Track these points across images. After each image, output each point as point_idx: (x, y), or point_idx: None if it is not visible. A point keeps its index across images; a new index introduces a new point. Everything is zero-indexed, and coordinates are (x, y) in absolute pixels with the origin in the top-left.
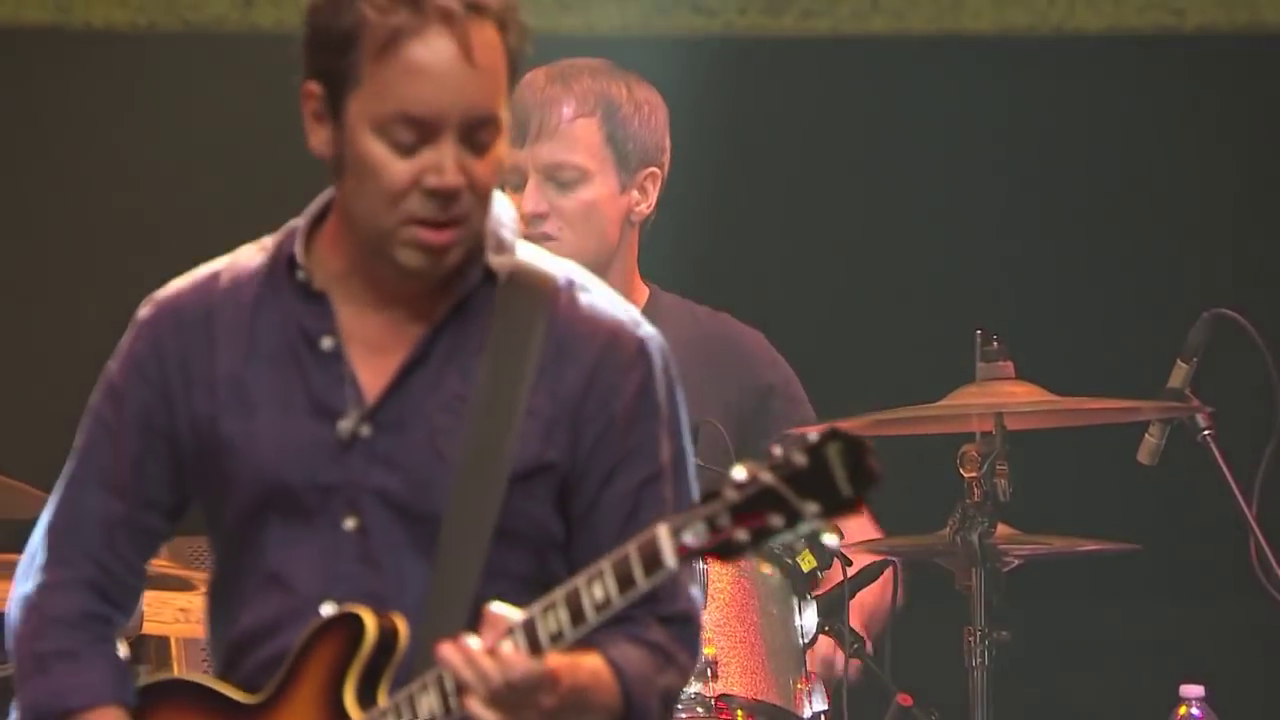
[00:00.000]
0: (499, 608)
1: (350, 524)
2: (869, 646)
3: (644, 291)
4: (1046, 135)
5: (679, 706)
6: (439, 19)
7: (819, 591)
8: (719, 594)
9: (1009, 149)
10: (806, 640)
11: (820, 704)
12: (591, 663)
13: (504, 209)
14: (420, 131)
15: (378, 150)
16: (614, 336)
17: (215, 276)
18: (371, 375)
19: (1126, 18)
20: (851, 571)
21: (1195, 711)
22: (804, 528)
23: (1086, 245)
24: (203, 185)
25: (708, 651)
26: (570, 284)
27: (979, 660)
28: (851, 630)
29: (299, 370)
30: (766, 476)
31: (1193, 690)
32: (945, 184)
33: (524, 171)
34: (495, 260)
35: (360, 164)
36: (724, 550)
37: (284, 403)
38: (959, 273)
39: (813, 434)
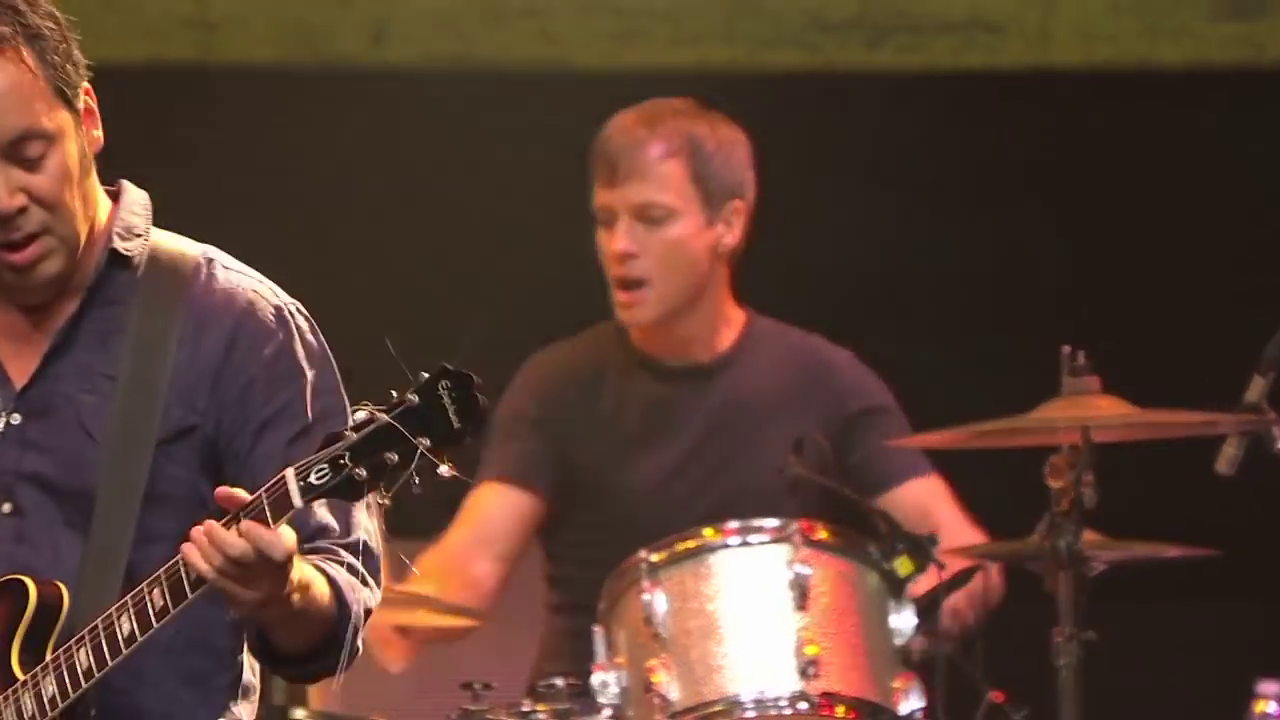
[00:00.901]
0: (225, 490)
1: (6, 508)
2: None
3: (740, 316)
4: (1132, 158)
5: (783, 703)
6: None
7: (916, 594)
8: (820, 597)
9: (1099, 172)
10: (903, 641)
11: (917, 702)
12: (309, 568)
13: (135, 197)
14: None
15: None
16: (251, 305)
17: None
18: (18, 368)
19: (1208, 51)
20: (945, 575)
21: (1272, 708)
22: (417, 460)
23: (1168, 264)
24: (339, 218)
25: (810, 651)
26: (210, 261)
27: (1067, 659)
28: (947, 630)
29: None
30: (381, 415)
31: (1271, 687)
32: (1030, 207)
33: (615, 211)
34: (124, 246)
35: None
36: (347, 488)
37: None
38: (1045, 290)
39: (424, 373)
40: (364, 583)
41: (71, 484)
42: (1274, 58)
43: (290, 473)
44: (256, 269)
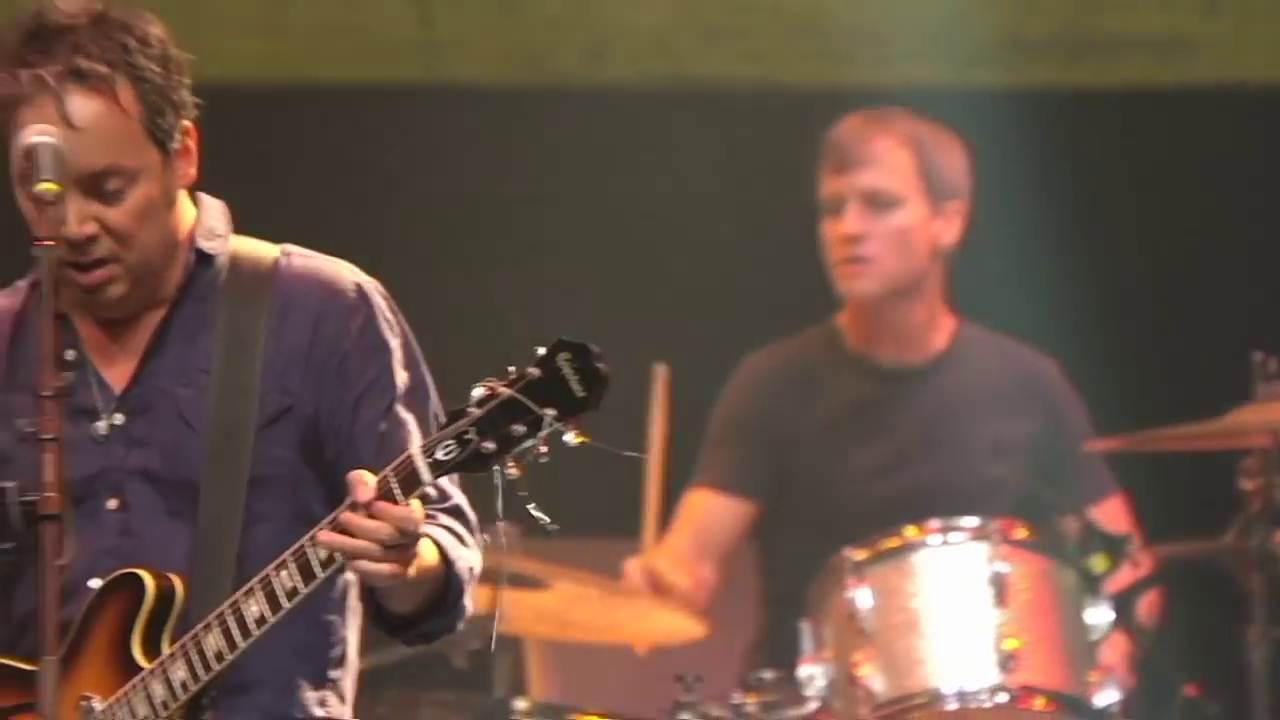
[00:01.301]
0: (357, 474)
1: (112, 504)
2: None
3: (952, 321)
4: None
5: (983, 695)
6: (38, 88)
7: (1112, 591)
8: (1020, 594)
9: None
10: (1099, 637)
11: (1113, 695)
12: None
13: (214, 205)
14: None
15: (26, 206)
16: (332, 286)
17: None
18: (116, 374)
19: None
20: (1141, 573)
21: None
22: (545, 430)
23: None
24: (560, 227)
25: (1010, 645)
26: (288, 252)
27: (1259, 656)
28: (1141, 626)
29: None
30: (504, 390)
31: None
32: (1221, 215)
33: (844, 197)
34: (207, 245)
35: (26, 211)
36: (475, 461)
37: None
38: (1235, 298)
39: (542, 347)
40: (463, 543)
41: (177, 475)
42: None
43: (417, 450)
44: (482, 274)
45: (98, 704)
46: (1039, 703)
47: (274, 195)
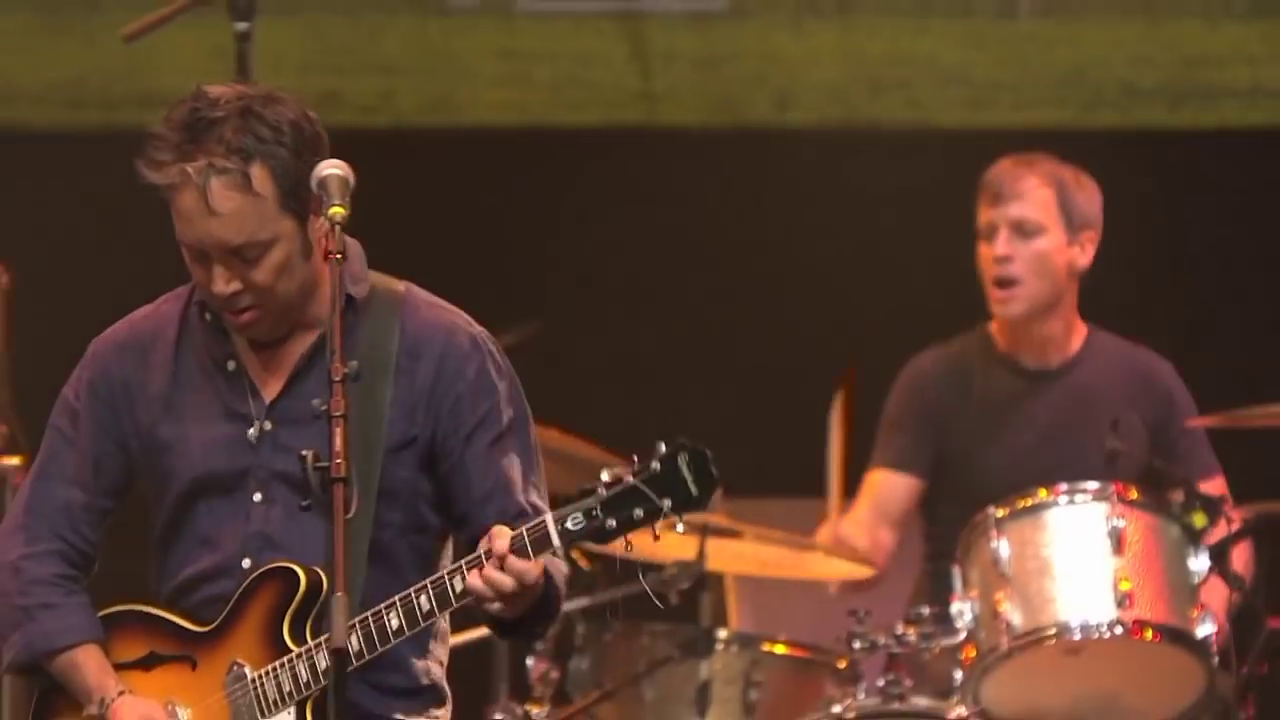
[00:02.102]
0: (497, 530)
1: (257, 498)
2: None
3: (1083, 330)
4: None
5: (1103, 628)
6: (183, 180)
7: (1209, 541)
8: (1132, 544)
9: None
10: (1199, 580)
11: (1210, 627)
12: None
13: (355, 247)
14: (193, 253)
15: (188, 259)
16: (452, 334)
17: (145, 318)
18: (268, 385)
19: None
20: (1234, 528)
21: None
22: (661, 519)
23: None
24: (756, 259)
25: (1124, 586)
26: (412, 294)
27: None
28: (1234, 572)
29: (213, 387)
30: (629, 479)
31: None
32: None
33: (996, 225)
34: (354, 290)
35: (190, 268)
36: (598, 535)
37: (206, 412)
38: None
39: (663, 445)
40: (555, 554)
41: (316, 480)
42: None
43: (549, 518)
44: (690, 299)
45: (249, 671)
46: (1148, 634)
47: (522, 221)
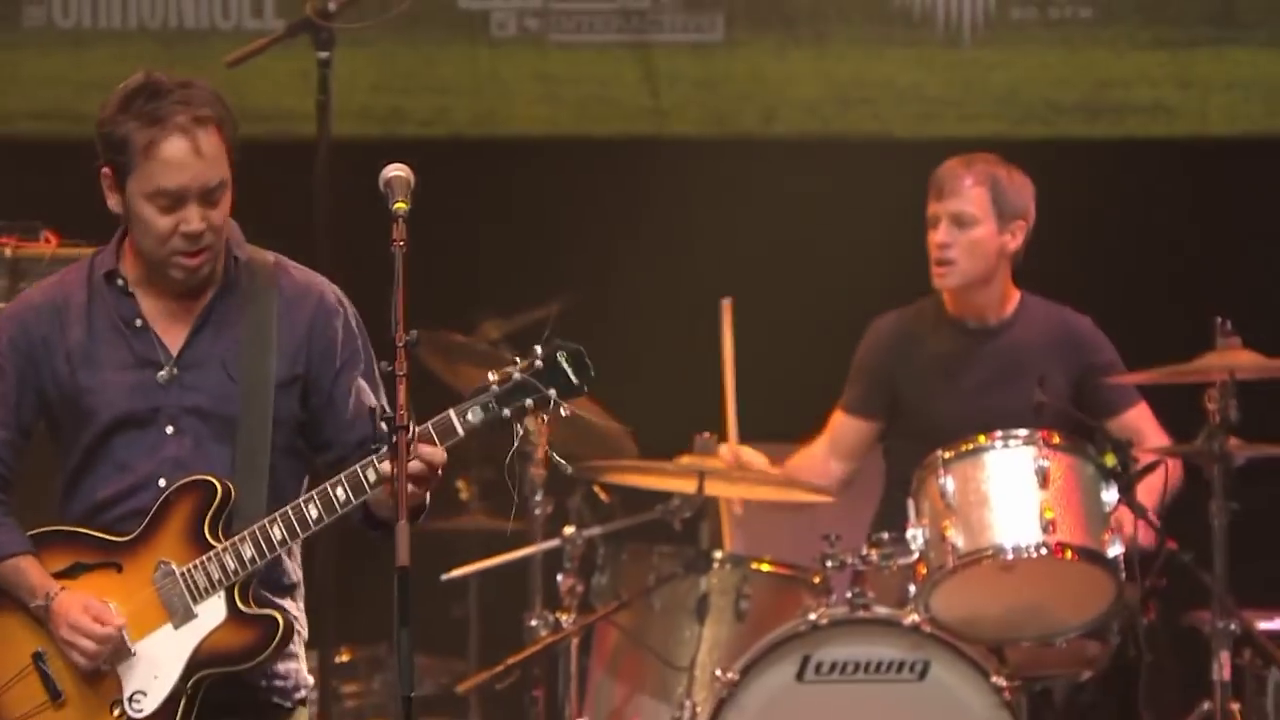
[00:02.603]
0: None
1: (170, 430)
2: (1152, 515)
3: (1016, 295)
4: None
5: (1030, 549)
6: (177, 129)
7: (1119, 478)
8: (1055, 480)
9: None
10: (1110, 509)
11: (1118, 549)
12: None
13: (233, 224)
14: (171, 199)
15: (156, 211)
16: (321, 294)
17: (52, 286)
18: (172, 338)
19: None
20: (1138, 467)
21: None
22: (549, 406)
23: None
24: (779, 269)
25: (1049, 515)
26: (281, 261)
27: (1219, 522)
28: (1138, 503)
29: (124, 341)
30: (517, 374)
31: None
32: (1189, 226)
33: (939, 217)
34: (239, 251)
35: (140, 220)
36: (494, 423)
37: (120, 361)
38: (1203, 282)
39: (540, 347)
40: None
41: (221, 411)
42: None
43: (452, 412)
44: (690, 277)
45: (176, 567)
46: (1068, 554)
47: (551, 213)
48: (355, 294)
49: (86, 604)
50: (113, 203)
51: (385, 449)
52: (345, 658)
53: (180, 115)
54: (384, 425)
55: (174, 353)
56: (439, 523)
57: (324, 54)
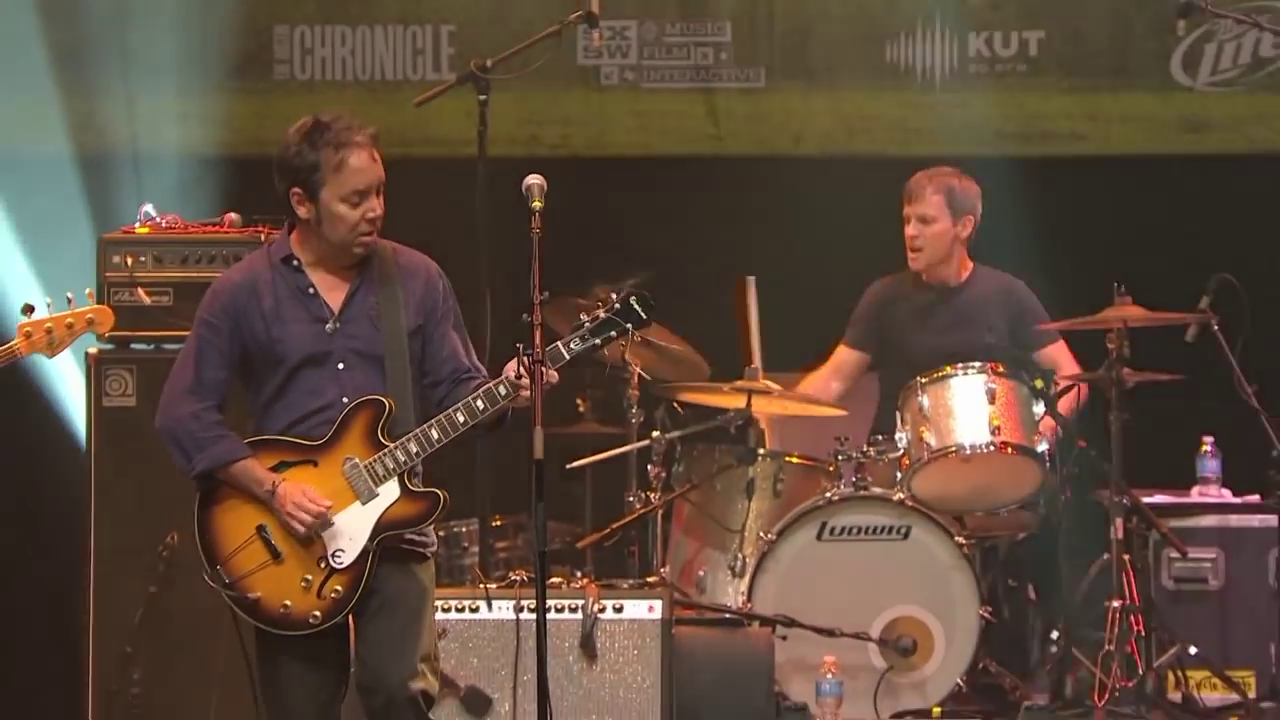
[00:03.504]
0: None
1: (341, 366)
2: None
3: (970, 265)
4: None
5: (981, 446)
6: (355, 147)
7: (1045, 396)
8: (1001, 398)
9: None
10: (1039, 418)
11: (1045, 446)
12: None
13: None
14: (360, 196)
15: (345, 208)
16: (428, 268)
17: (241, 271)
18: (334, 300)
19: None
20: (1059, 389)
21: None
22: (628, 335)
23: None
24: (813, 281)
25: (995, 421)
26: (396, 247)
27: (1116, 427)
28: (1059, 414)
29: (301, 304)
30: (603, 313)
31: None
32: (1100, 219)
33: (909, 218)
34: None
35: (334, 218)
36: (589, 349)
37: (299, 319)
38: (1102, 256)
39: (617, 292)
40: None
41: (372, 352)
42: None
43: (560, 343)
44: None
45: (359, 461)
46: (1009, 450)
47: (643, 209)
48: (501, 267)
49: (304, 490)
50: (303, 212)
51: (506, 375)
52: (498, 522)
53: (356, 136)
54: (526, 357)
55: (336, 311)
56: (564, 428)
57: (483, 96)
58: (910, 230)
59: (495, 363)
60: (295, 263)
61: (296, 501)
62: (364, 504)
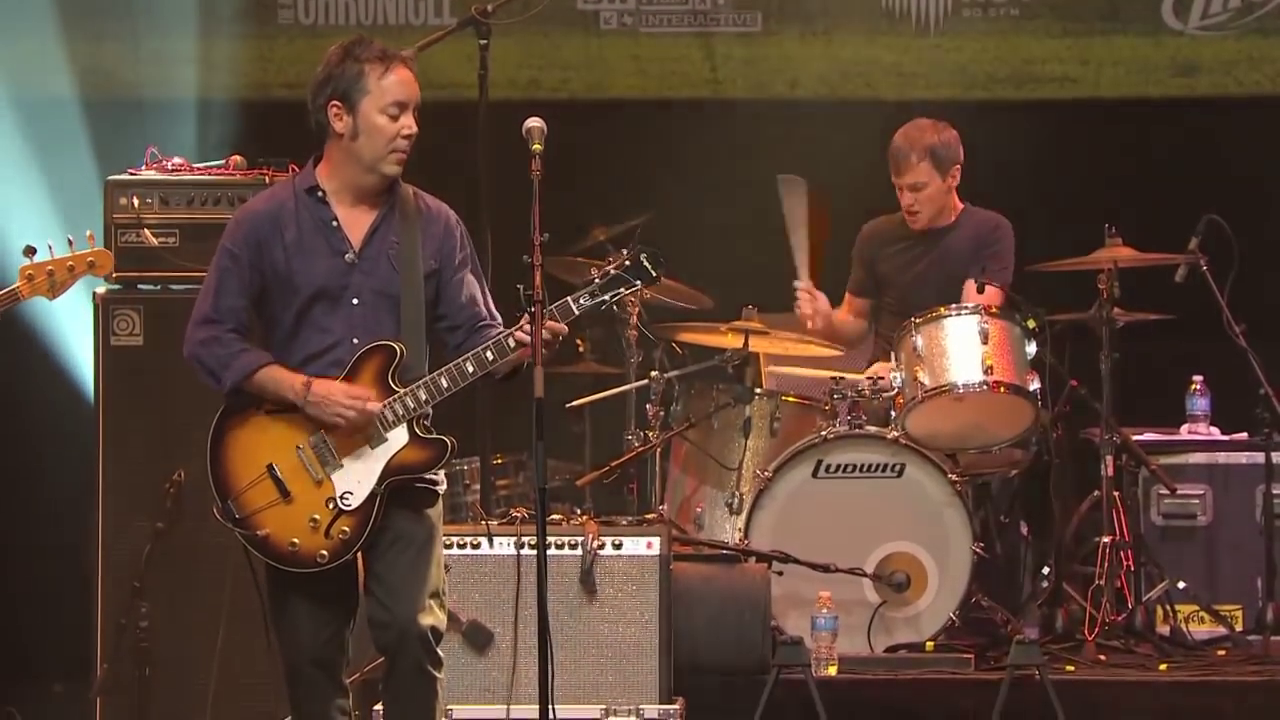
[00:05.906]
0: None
1: (355, 302)
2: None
3: (959, 206)
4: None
5: (974, 386)
6: (400, 62)
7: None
8: (994, 338)
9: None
10: (1030, 358)
11: (1036, 385)
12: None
13: None
14: (400, 109)
15: (385, 121)
16: (447, 214)
17: (266, 200)
18: (355, 235)
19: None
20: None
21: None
22: (637, 290)
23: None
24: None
25: (989, 361)
26: (417, 192)
27: (1106, 366)
28: (1054, 358)
29: (324, 236)
30: (613, 270)
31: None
32: (1091, 167)
33: (901, 188)
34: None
35: (372, 129)
36: (598, 305)
37: (319, 250)
38: (1092, 200)
39: (628, 250)
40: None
41: (388, 291)
42: None
43: (569, 299)
44: (741, 192)
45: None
46: (1002, 390)
47: (641, 150)
48: (501, 208)
49: (345, 388)
50: (340, 126)
51: (521, 324)
52: (499, 460)
53: (400, 54)
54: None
55: (357, 246)
56: (563, 368)
57: (484, 41)
58: (904, 200)
59: (496, 304)
60: (320, 194)
61: (337, 395)
62: (373, 448)
